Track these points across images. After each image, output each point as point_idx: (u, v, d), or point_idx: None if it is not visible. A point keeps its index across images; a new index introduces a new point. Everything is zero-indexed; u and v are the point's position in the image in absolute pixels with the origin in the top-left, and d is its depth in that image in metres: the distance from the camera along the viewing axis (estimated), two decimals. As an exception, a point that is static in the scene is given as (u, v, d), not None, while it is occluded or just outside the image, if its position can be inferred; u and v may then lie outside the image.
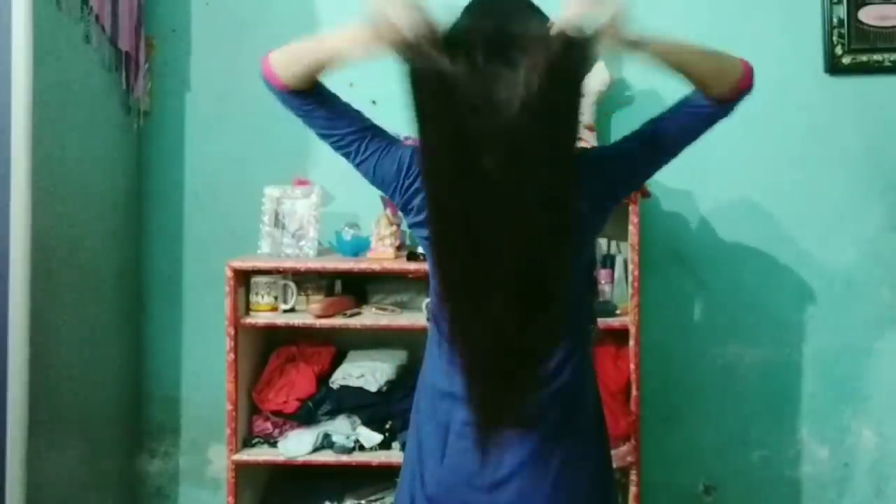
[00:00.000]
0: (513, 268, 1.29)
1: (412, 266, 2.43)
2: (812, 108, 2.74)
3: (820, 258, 2.74)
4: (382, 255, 2.51)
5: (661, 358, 2.70)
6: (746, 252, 2.76)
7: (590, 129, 2.51)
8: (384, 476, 2.46)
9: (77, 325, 2.39)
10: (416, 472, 1.51)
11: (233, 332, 2.43)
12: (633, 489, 2.39)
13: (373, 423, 2.48)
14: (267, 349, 2.64)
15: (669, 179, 2.63)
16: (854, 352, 2.74)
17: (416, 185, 1.44)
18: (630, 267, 2.42)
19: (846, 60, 2.71)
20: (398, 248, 2.54)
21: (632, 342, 2.39)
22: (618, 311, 2.46)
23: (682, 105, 1.45)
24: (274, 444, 2.49)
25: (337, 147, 1.50)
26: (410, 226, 1.52)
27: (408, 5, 1.27)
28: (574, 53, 1.26)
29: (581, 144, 1.79)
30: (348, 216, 2.65)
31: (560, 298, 1.34)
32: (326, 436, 2.46)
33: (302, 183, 2.63)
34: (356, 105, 1.51)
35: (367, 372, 2.50)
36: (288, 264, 2.49)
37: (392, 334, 2.60)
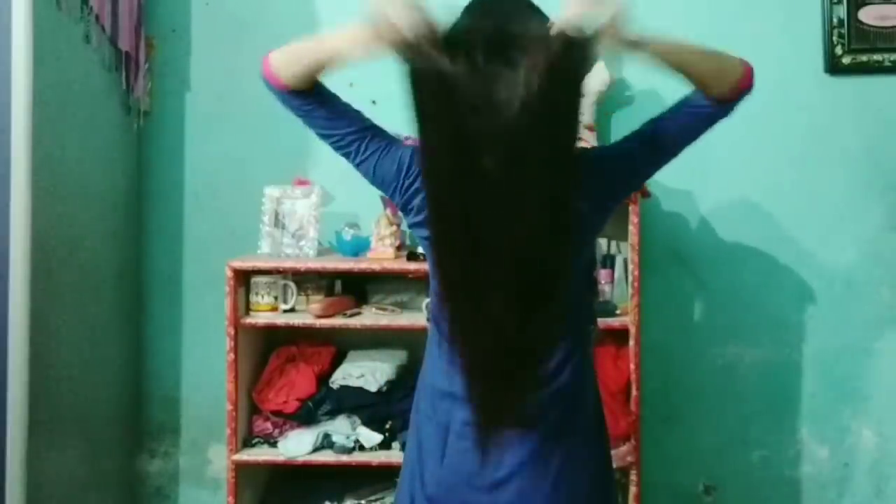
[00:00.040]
0: (513, 268, 1.29)
1: (412, 266, 2.43)
2: (812, 108, 2.74)
3: (820, 258, 2.74)
4: (382, 255, 2.51)
5: (661, 358, 2.70)
6: (746, 252, 2.76)
7: (590, 129, 2.51)
8: (384, 476, 2.46)
9: (77, 325, 2.39)
10: (416, 472, 1.51)
11: (233, 332, 2.43)
12: (633, 489, 2.39)
13: (373, 423, 2.48)
14: (267, 349, 2.64)
15: (669, 179, 2.63)
16: (854, 352, 2.74)
17: (416, 185, 1.44)
18: (630, 267, 2.42)
19: (846, 60, 2.71)
20: (398, 248, 2.54)
21: (632, 342, 2.39)
22: (618, 311, 2.46)
23: (682, 105, 1.45)
24: (274, 444, 2.49)
25: (337, 147, 1.50)
26: (410, 226, 1.52)
27: (407, 5, 1.27)
28: (574, 53, 1.26)
29: (581, 144, 1.79)
30: (348, 216, 2.65)
31: (560, 298, 1.34)
32: (326, 436, 2.46)
33: (302, 183, 2.63)
34: (356, 105, 1.51)
35: (367, 372, 2.50)
36: (288, 264, 2.49)
37: (392, 334, 2.60)
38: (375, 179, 1.50)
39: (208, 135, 2.84)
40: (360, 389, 2.48)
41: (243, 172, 2.80)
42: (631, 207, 2.39)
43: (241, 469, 2.46)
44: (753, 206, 2.76)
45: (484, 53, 1.26)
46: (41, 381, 2.15)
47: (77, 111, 2.38)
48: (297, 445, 2.45)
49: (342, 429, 2.48)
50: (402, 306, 2.56)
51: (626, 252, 2.50)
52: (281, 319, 2.49)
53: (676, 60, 1.38)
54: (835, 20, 2.71)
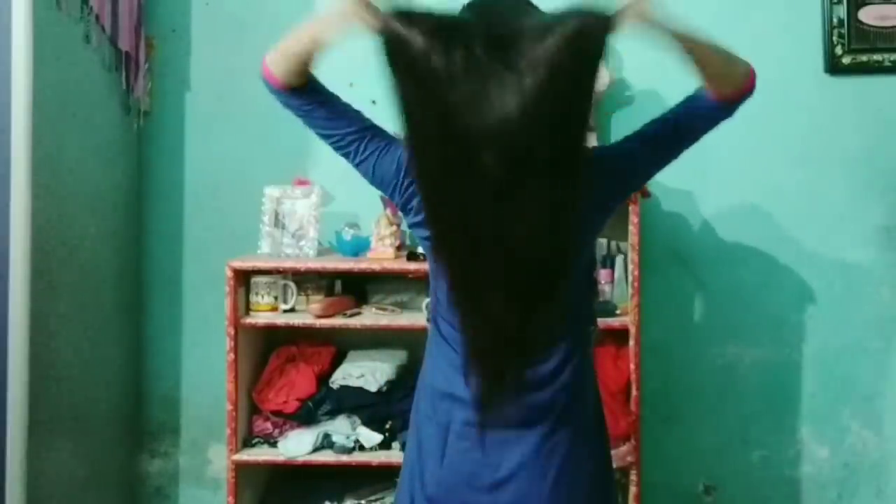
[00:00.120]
0: (513, 268, 1.28)
1: (412, 266, 2.43)
2: (812, 108, 2.74)
3: (820, 258, 2.74)
4: (382, 255, 2.51)
5: (661, 358, 2.70)
6: (746, 252, 2.76)
7: (590, 129, 2.50)
8: (384, 476, 2.46)
9: (77, 325, 2.39)
10: (416, 473, 1.51)
11: (233, 332, 2.43)
12: (633, 489, 2.39)
13: (373, 423, 2.48)
14: (267, 349, 2.64)
15: (669, 179, 2.62)
16: (854, 352, 2.74)
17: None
18: (630, 267, 2.42)
19: (846, 60, 2.71)
20: (398, 248, 2.54)
21: (632, 342, 2.39)
22: (618, 311, 2.46)
23: (684, 105, 1.45)
24: (274, 444, 2.49)
25: (337, 147, 1.50)
26: (410, 226, 1.52)
27: None
28: (581, 47, 1.25)
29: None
30: (348, 216, 2.65)
31: (560, 299, 1.34)
32: (326, 436, 2.46)
33: (302, 183, 2.63)
34: (356, 105, 1.51)
35: (367, 372, 2.50)
36: (288, 264, 2.49)
37: (392, 334, 2.60)
38: (375, 179, 1.49)
39: (208, 135, 2.84)
40: (360, 389, 2.48)
41: (243, 172, 2.80)
42: (631, 207, 2.39)
43: (241, 469, 2.46)
44: (753, 206, 2.76)
45: (483, 48, 1.24)
46: (41, 381, 2.15)
47: (77, 111, 2.38)
48: (297, 445, 2.45)
49: (342, 429, 2.48)
50: (402, 306, 2.56)
51: (627, 252, 2.50)
52: (281, 319, 2.49)
53: (693, 48, 1.37)
54: (835, 20, 2.71)
